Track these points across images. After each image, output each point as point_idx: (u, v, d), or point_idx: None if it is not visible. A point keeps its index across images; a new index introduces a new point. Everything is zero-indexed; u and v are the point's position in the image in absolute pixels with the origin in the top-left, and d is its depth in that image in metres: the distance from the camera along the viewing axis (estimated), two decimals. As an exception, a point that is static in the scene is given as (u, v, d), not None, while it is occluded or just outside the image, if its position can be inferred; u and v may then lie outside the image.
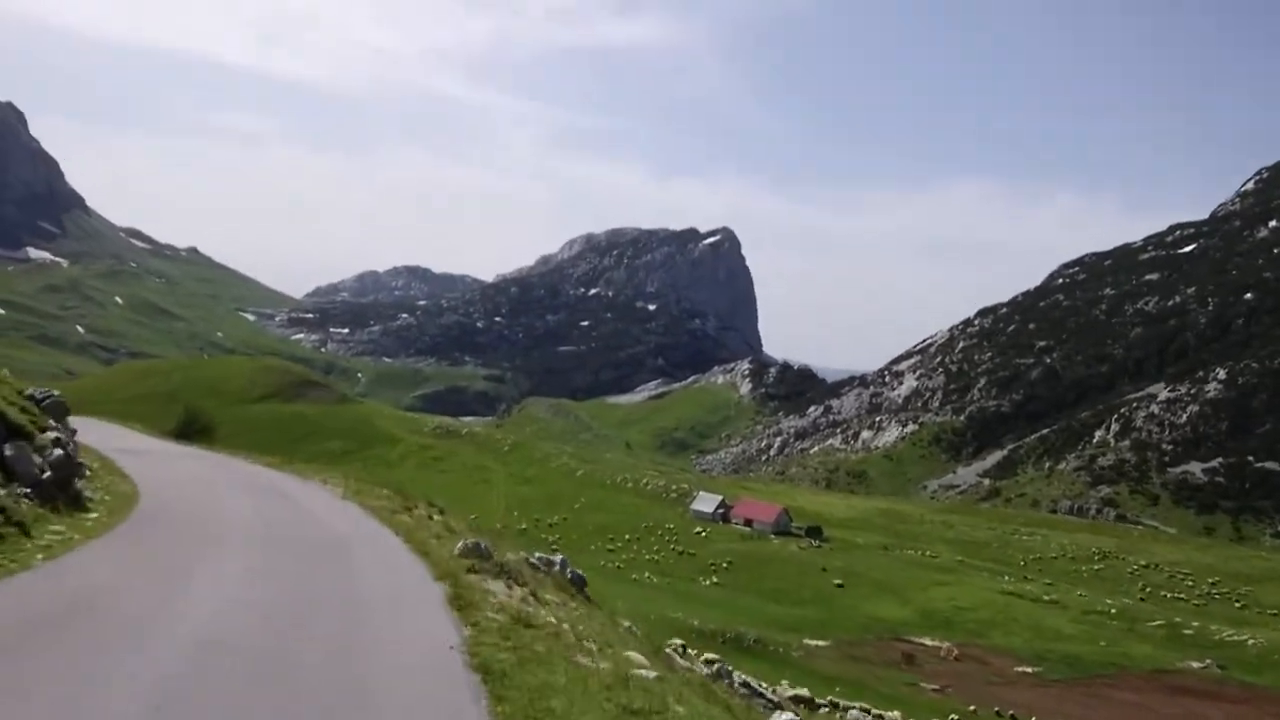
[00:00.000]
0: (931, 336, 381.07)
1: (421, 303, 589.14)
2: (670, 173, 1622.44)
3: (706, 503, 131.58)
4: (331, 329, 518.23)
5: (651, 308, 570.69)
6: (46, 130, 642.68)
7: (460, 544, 19.58)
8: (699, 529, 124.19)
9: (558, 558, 23.36)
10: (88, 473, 24.03)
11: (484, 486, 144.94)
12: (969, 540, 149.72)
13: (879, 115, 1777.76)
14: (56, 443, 21.60)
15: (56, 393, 25.24)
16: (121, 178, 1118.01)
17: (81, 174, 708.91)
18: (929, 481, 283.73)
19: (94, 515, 19.56)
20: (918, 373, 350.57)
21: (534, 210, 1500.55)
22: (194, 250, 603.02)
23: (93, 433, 38.76)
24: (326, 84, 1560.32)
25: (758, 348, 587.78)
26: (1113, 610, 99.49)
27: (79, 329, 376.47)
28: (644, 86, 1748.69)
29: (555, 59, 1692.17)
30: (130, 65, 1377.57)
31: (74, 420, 51.78)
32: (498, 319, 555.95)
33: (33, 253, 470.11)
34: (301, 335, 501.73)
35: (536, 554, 23.01)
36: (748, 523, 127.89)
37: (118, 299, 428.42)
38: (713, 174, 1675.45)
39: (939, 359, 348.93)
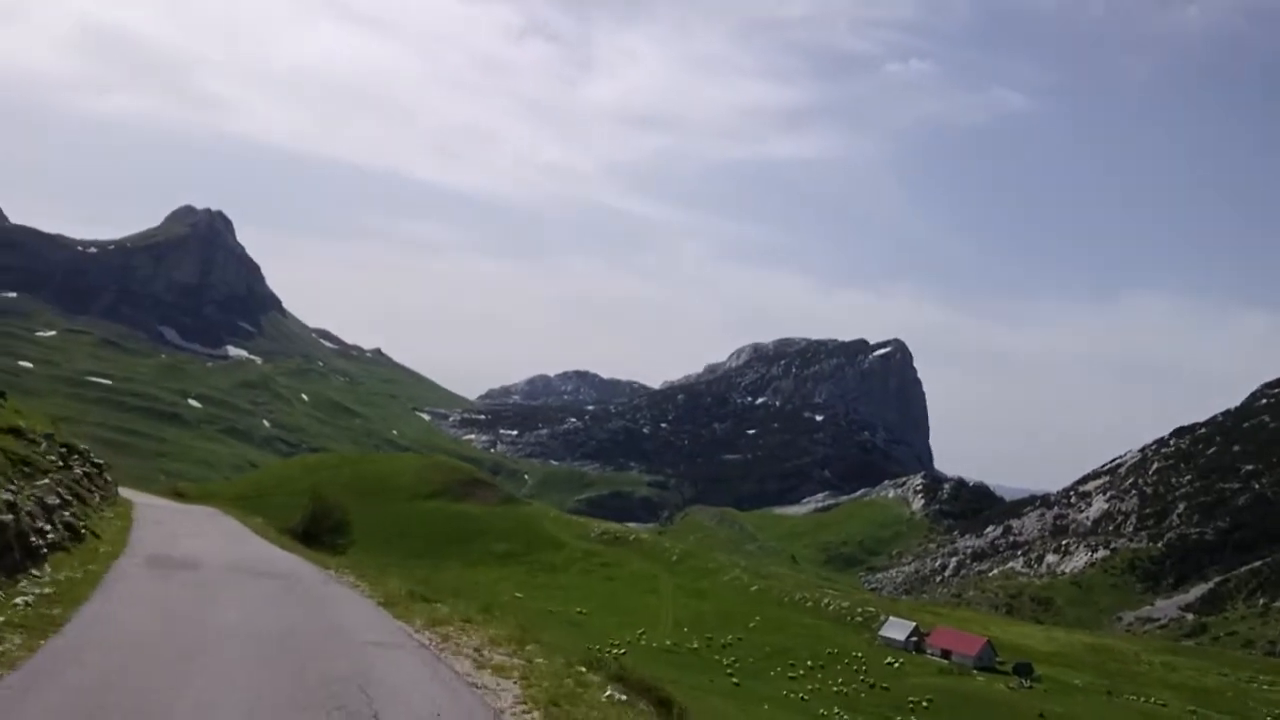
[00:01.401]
0: (1121, 457, 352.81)
1: (589, 407, 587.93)
2: (838, 284, 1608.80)
3: (898, 629, 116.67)
4: (501, 430, 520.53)
5: (819, 418, 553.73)
6: (250, 237, 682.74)
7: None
8: (890, 659, 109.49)
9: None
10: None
11: (652, 598, 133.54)
12: (1197, 687, 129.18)
13: (1054, 226, 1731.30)
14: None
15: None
16: (314, 282, 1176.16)
17: (279, 278, 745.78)
18: (1124, 613, 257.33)
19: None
20: (1107, 494, 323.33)
21: (700, 318, 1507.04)
22: (378, 351, 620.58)
23: (182, 525, 31.70)
24: (502, 196, 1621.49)
25: (929, 463, 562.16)
26: None
27: (265, 423, 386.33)
28: (811, 199, 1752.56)
29: (723, 173, 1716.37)
30: (324, 178, 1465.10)
31: (194, 509, 42.74)
32: (664, 425, 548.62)
33: (231, 350, 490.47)
34: (473, 435, 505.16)
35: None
36: (945, 654, 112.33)
37: (304, 396, 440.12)
38: (882, 286, 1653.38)
39: (1131, 480, 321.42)
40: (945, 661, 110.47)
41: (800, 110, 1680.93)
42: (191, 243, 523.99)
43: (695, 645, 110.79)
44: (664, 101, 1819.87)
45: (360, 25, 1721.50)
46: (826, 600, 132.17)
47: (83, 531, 19.98)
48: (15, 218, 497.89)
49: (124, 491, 66.21)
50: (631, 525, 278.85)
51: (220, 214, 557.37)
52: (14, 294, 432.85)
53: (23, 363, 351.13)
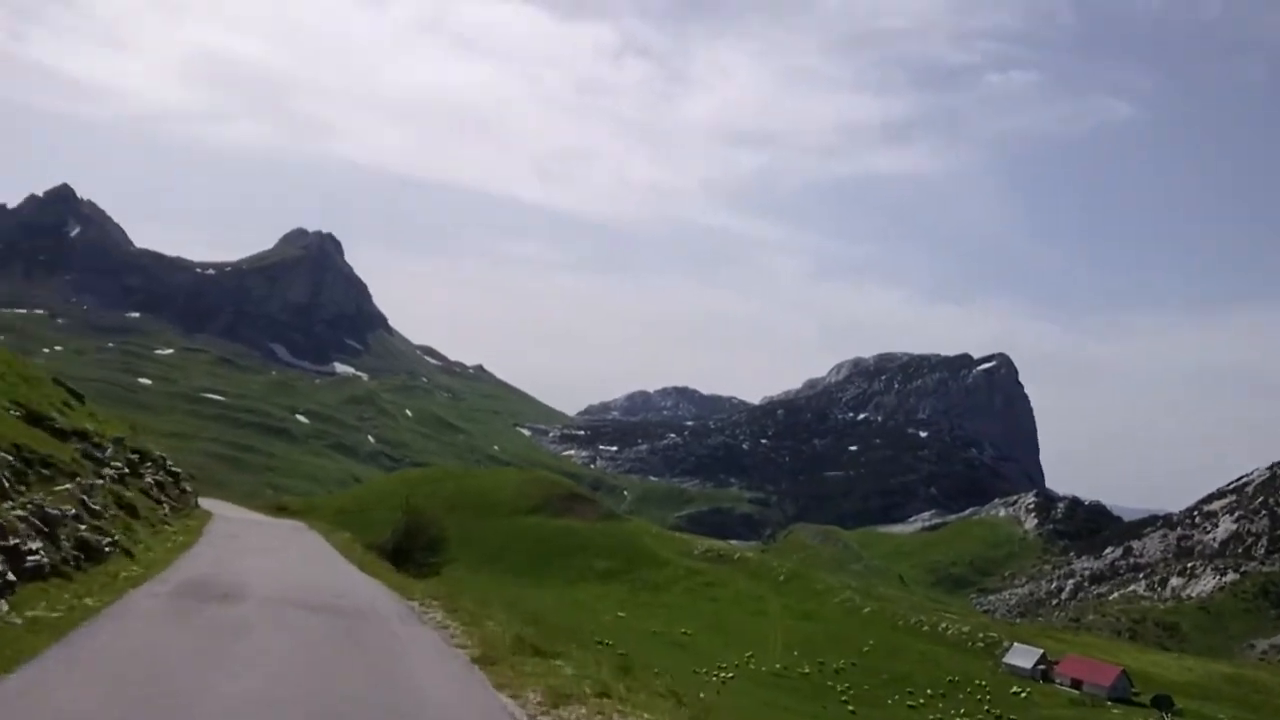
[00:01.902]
0: (1248, 474, 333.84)
1: (689, 423, 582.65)
2: (938, 297, 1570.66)
3: (1023, 656, 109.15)
4: (601, 446, 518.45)
5: (923, 435, 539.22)
6: (358, 257, 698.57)
7: None
8: (1016, 688, 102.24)
9: None
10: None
11: (759, 619, 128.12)
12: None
13: (1162, 237, 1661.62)
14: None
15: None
16: (419, 300, 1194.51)
17: (386, 296, 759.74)
18: (1258, 640, 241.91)
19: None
20: (1235, 514, 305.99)
21: (798, 334, 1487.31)
22: (480, 368, 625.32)
23: (255, 541, 28.48)
24: (600, 214, 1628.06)
25: (1039, 480, 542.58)
26: None
27: (370, 439, 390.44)
28: (910, 212, 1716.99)
29: (822, 189, 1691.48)
30: (428, 199, 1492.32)
31: (281, 523, 39.32)
32: (764, 441, 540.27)
33: (338, 367, 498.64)
34: (573, 451, 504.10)
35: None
36: (1076, 684, 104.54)
37: (408, 411, 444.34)
38: (983, 299, 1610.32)
39: (1260, 499, 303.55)
40: (1076, 692, 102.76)
41: (899, 123, 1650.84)
42: (303, 264, 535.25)
43: (806, 670, 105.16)
44: (760, 117, 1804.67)
45: (462, 49, 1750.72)
46: (944, 624, 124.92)
47: (108, 550, 16.37)
48: (140, 242, 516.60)
49: (214, 504, 63.49)
50: (733, 543, 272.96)
51: (330, 236, 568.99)
52: (138, 314, 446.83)
53: (143, 380, 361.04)
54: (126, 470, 24.09)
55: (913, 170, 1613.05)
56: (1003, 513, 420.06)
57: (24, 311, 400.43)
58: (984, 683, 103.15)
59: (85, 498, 16.85)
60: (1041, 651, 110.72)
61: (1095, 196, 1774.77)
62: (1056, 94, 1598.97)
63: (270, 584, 20.55)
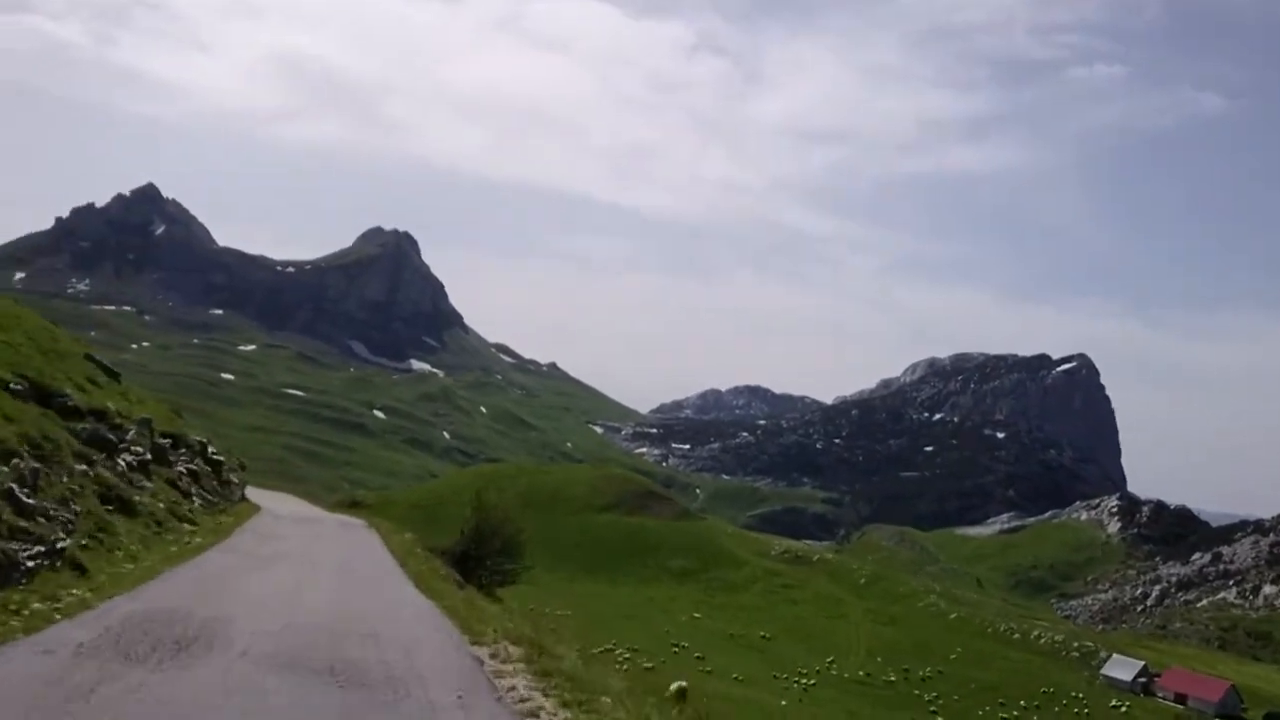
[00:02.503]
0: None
1: (761, 422, 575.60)
2: (1017, 297, 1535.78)
3: (1123, 668, 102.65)
4: (673, 444, 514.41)
5: (1000, 436, 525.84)
6: (434, 256, 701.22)
7: None
8: (1115, 701, 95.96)
9: None
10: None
11: (840, 623, 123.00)
12: None
13: (1252, 234, 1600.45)
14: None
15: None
16: (493, 298, 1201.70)
17: (461, 294, 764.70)
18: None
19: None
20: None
21: (872, 333, 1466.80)
22: (553, 365, 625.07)
23: (294, 545, 24.98)
24: (673, 212, 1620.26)
25: (1120, 483, 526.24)
26: None
27: (445, 435, 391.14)
28: (990, 211, 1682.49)
29: (898, 186, 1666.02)
30: (502, 197, 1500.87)
31: (337, 521, 35.36)
32: (837, 441, 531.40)
33: (415, 364, 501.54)
34: (645, 449, 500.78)
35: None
36: (1180, 699, 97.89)
37: (482, 408, 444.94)
38: (1063, 299, 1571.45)
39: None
40: (1181, 707, 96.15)
41: (979, 119, 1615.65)
42: (380, 262, 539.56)
43: (891, 678, 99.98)
44: (836, 113, 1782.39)
45: (536, 47, 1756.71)
46: (1036, 632, 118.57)
47: (34, 564, 12.01)
48: (222, 240, 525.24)
49: (277, 499, 59.92)
50: (807, 543, 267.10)
51: (407, 234, 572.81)
52: (220, 311, 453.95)
53: (225, 375, 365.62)
54: (149, 457, 20.69)
55: (992, 167, 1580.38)
56: (1084, 516, 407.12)
57: (113, 308, 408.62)
58: (1081, 695, 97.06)
59: (16, 486, 12.59)
60: (1143, 663, 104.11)
61: (1183, 193, 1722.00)
62: (1142, 88, 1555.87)
63: (269, 620, 14.53)
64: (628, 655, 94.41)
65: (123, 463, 19.16)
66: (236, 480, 32.24)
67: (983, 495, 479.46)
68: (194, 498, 23.16)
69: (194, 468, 24.74)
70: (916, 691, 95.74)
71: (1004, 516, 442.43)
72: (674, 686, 20.48)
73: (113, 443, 19.05)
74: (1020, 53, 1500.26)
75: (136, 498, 16.93)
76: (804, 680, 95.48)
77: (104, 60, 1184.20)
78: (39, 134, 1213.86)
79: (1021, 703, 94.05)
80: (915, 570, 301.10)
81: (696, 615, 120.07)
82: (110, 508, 15.47)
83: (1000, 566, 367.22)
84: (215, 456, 28.64)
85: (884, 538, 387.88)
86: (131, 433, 20.61)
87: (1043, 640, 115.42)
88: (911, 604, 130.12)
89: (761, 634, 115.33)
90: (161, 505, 19.11)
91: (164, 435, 23.82)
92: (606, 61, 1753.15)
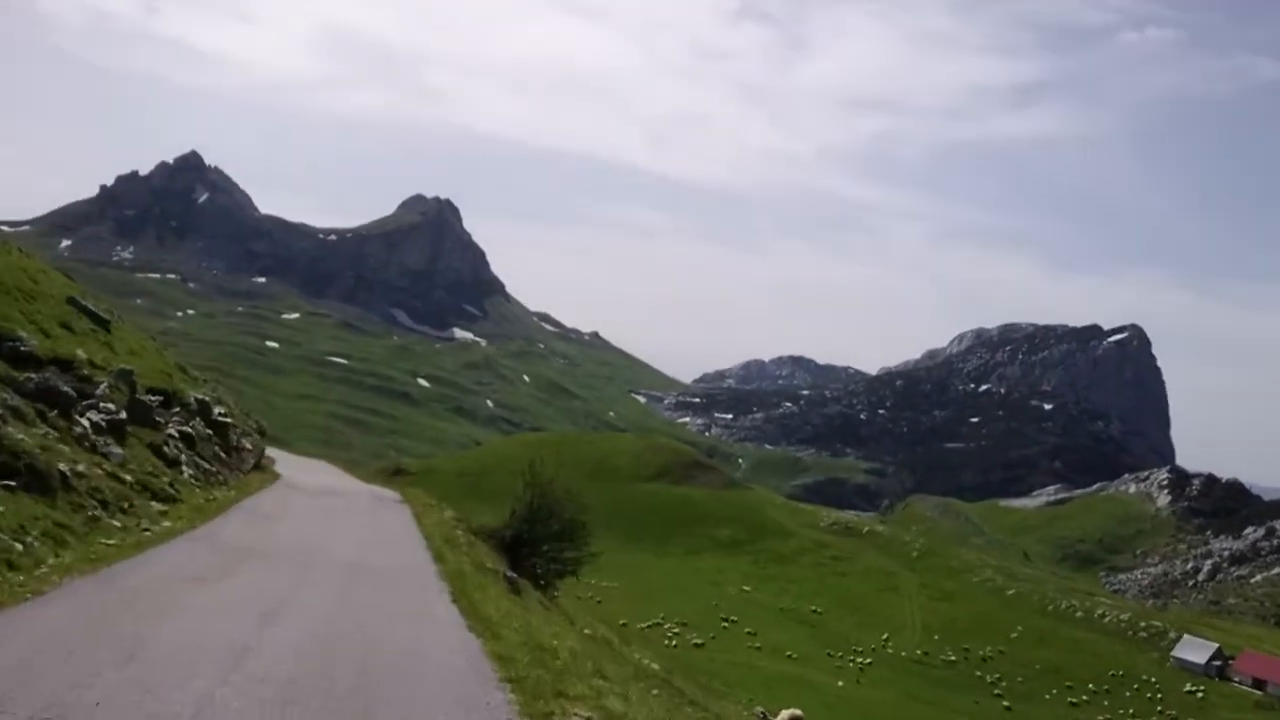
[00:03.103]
0: None
1: (805, 392, 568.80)
2: (1066, 266, 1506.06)
3: (1196, 650, 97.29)
4: (716, 414, 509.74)
5: (1047, 407, 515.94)
6: (476, 224, 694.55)
7: None
8: (1190, 686, 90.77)
9: None
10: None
11: (892, 596, 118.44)
12: None
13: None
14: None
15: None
16: (535, 266, 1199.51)
17: (503, 262, 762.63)
18: None
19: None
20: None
21: (918, 303, 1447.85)
22: (595, 335, 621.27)
23: (293, 532, 20.34)
24: (715, 181, 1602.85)
25: (1169, 456, 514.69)
26: None
27: (489, 403, 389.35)
28: (1039, 178, 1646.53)
29: (944, 154, 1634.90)
30: (544, 165, 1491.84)
31: (367, 494, 30.95)
32: (881, 411, 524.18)
33: (457, 333, 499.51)
34: (687, 419, 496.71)
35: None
36: (1259, 684, 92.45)
37: (525, 377, 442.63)
38: (1114, 268, 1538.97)
39: None
40: (1260, 693, 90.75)
41: (1028, 86, 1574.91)
42: (422, 230, 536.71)
43: (951, 657, 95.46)
44: (882, 81, 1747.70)
45: (577, 15, 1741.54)
46: (1100, 610, 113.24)
47: None
48: (264, 208, 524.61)
49: (311, 467, 55.66)
50: (851, 514, 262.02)
51: (448, 202, 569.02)
52: (263, 279, 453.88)
53: (270, 343, 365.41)
54: (123, 416, 16.59)
55: (1042, 134, 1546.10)
56: (1133, 488, 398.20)
57: (157, 276, 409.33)
58: (1152, 678, 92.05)
59: None
60: (1217, 645, 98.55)
61: (1237, 160, 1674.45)
62: (1197, 53, 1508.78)
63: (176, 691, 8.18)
64: (676, 630, 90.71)
65: (86, 422, 15.14)
66: (250, 446, 28.00)
67: (1028, 467, 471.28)
68: (184, 467, 19.01)
69: (189, 430, 20.61)
70: (978, 672, 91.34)
71: (1050, 489, 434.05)
72: (785, 715, 16.47)
73: (70, 397, 15.00)
74: (1070, 17, 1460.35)
75: (69, 467, 12.64)
76: (859, 659, 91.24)
77: (150, 31, 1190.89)
78: (85, 104, 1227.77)
79: (1090, 686, 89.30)
80: (959, 542, 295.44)
81: (746, 588, 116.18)
82: (11, 484, 11.18)
83: (1046, 539, 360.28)
84: (221, 418, 24.51)
85: (928, 509, 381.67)
86: (103, 387, 16.63)
87: (1107, 619, 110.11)
88: (966, 579, 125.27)
89: (812, 608, 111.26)
90: (128, 478, 14.95)
91: (152, 391, 19.83)
92: (649, 29, 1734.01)
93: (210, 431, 22.74)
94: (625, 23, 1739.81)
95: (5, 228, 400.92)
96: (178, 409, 21.15)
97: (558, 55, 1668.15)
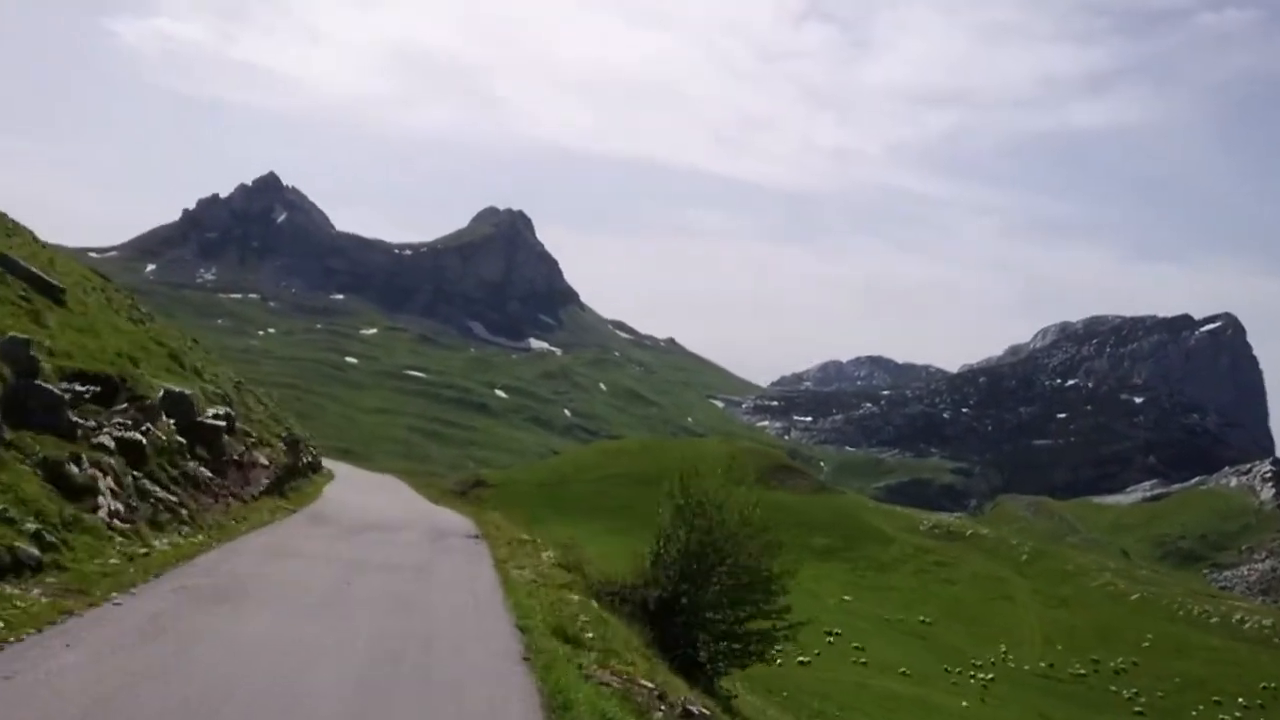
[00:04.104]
0: None
1: (885, 392, 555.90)
2: (1147, 256, 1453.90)
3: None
4: (795, 416, 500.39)
5: (1138, 400, 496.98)
6: (548, 234, 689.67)
7: None
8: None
9: None
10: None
11: (1005, 605, 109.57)
12: None
13: None
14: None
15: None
16: (608, 274, 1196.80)
17: (576, 271, 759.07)
18: None
19: None
20: None
21: (995, 299, 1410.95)
22: (671, 341, 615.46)
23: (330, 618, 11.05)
24: (783, 182, 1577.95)
25: (1270, 448, 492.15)
26: None
27: (566, 412, 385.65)
28: (1115, 167, 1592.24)
29: (1017, 146, 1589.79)
30: (612, 172, 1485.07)
31: (438, 521, 23.47)
32: (965, 410, 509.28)
33: (533, 343, 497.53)
34: (766, 422, 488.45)
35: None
36: None
37: (602, 385, 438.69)
38: (1199, 257, 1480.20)
39: None
40: None
41: (1103, 73, 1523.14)
42: (496, 242, 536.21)
43: (1080, 670, 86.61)
44: (951, 75, 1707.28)
45: (640, 21, 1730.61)
46: (1239, 615, 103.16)
47: None
48: (341, 225, 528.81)
49: (366, 487, 48.67)
50: (957, 515, 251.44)
51: (521, 213, 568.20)
52: (341, 295, 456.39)
53: (349, 358, 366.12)
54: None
55: (1117, 121, 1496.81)
56: (1234, 482, 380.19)
57: (239, 296, 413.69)
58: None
59: None
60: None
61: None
62: (1278, 31, 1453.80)
63: None
64: (779, 647, 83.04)
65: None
66: (268, 461, 21.15)
67: (1121, 463, 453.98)
68: (104, 499, 12.29)
69: (137, 438, 14.08)
70: (1113, 687, 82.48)
71: (1146, 484, 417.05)
72: None
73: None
74: (1144, 1, 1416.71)
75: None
76: (979, 675, 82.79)
77: (225, 57, 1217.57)
78: (165, 131, 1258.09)
79: (1241, 700, 79.94)
80: (1054, 541, 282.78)
81: (846, 598, 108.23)
82: None
83: (1146, 537, 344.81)
84: (214, 420, 18.07)
85: (1019, 508, 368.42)
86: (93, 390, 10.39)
87: (1247, 625, 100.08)
88: (1083, 583, 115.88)
89: (920, 618, 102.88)
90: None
91: (82, 379, 13.52)
92: (712, 34, 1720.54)
93: (186, 440, 16.21)
94: (688, 29, 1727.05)
95: (93, 254, 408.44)
96: (127, 405, 14.78)
97: (622, 62, 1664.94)
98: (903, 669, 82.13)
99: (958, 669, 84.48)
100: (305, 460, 30.03)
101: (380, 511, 26.85)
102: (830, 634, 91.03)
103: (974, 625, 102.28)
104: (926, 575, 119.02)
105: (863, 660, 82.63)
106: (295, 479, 24.21)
